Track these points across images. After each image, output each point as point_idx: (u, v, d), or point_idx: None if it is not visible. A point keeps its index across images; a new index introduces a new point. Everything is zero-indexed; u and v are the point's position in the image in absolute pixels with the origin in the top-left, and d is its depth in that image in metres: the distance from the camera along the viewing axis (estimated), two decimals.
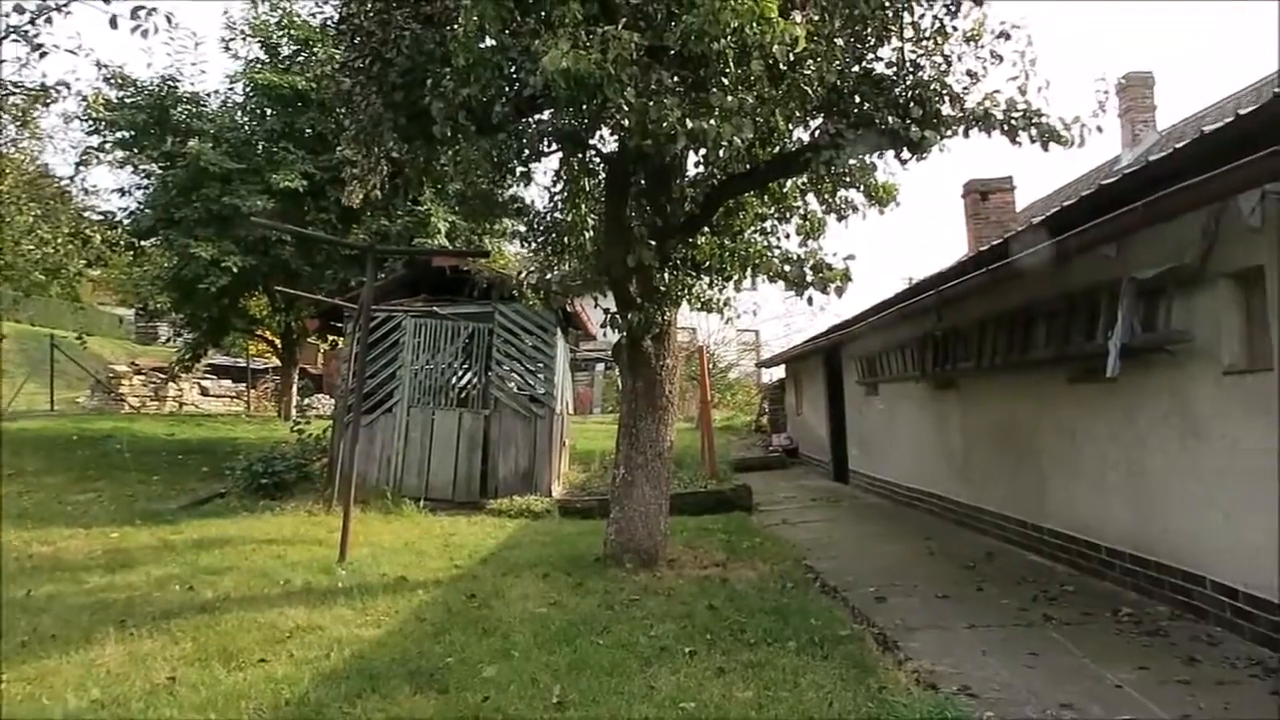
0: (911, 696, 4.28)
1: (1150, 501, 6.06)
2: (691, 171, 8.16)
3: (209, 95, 19.56)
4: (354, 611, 6.26)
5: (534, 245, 9.51)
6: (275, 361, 25.48)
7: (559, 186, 8.79)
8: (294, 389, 22.80)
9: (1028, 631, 5.46)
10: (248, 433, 17.97)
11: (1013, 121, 6.33)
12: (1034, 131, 6.29)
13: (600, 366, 32.12)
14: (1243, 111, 4.22)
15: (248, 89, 18.94)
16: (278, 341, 22.76)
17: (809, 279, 7.06)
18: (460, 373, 13.57)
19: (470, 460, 12.52)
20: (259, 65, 18.96)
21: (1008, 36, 6.58)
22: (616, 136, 6.82)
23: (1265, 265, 4.81)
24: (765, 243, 8.47)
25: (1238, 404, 5.10)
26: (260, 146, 17.79)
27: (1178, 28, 77.02)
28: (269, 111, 18.61)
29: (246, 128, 18.46)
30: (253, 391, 28.71)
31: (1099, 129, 6.39)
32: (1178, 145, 4.78)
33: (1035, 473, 7.79)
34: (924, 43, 6.70)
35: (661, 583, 7.01)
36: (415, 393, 12.75)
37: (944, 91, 6.45)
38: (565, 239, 8.92)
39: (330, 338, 19.95)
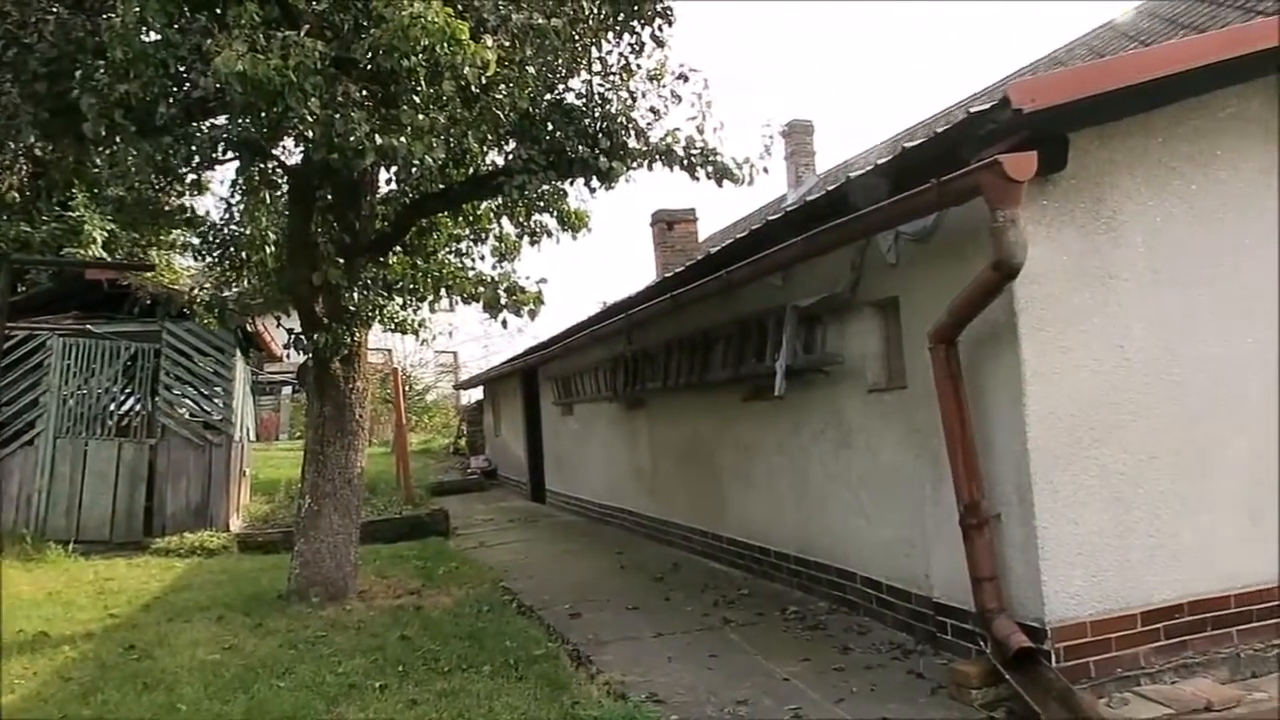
0: (603, 708, 4.40)
1: (811, 507, 6.69)
2: (383, 189, 7.95)
3: None
4: None
5: (208, 259, 8.79)
6: None
7: (237, 197, 8.20)
8: None
9: (709, 635, 5.82)
10: None
11: (691, 158, 6.77)
12: (710, 169, 6.77)
13: (287, 390, 30.22)
14: (880, 161, 4.83)
15: None
16: None
17: (503, 301, 7.09)
18: (121, 398, 12.17)
19: (132, 495, 11.28)
20: None
21: (686, 79, 7.03)
22: (301, 148, 6.49)
23: (900, 296, 5.50)
24: (459, 264, 8.42)
25: (878, 418, 5.77)
26: None
27: (836, 80, 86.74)
28: None
29: None
30: None
31: (766, 170, 6.98)
32: (830, 188, 5.37)
33: (716, 486, 8.34)
34: (611, 78, 7.02)
35: (351, 616, 6.71)
36: (64, 421, 11.27)
37: (630, 125, 6.78)
38: (244, 254, 8.33)
39: None
